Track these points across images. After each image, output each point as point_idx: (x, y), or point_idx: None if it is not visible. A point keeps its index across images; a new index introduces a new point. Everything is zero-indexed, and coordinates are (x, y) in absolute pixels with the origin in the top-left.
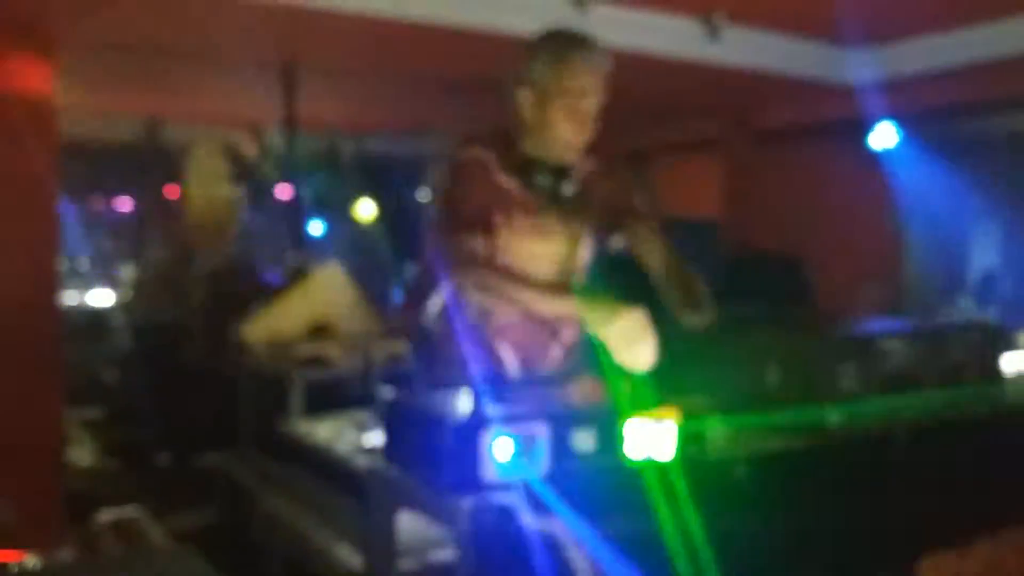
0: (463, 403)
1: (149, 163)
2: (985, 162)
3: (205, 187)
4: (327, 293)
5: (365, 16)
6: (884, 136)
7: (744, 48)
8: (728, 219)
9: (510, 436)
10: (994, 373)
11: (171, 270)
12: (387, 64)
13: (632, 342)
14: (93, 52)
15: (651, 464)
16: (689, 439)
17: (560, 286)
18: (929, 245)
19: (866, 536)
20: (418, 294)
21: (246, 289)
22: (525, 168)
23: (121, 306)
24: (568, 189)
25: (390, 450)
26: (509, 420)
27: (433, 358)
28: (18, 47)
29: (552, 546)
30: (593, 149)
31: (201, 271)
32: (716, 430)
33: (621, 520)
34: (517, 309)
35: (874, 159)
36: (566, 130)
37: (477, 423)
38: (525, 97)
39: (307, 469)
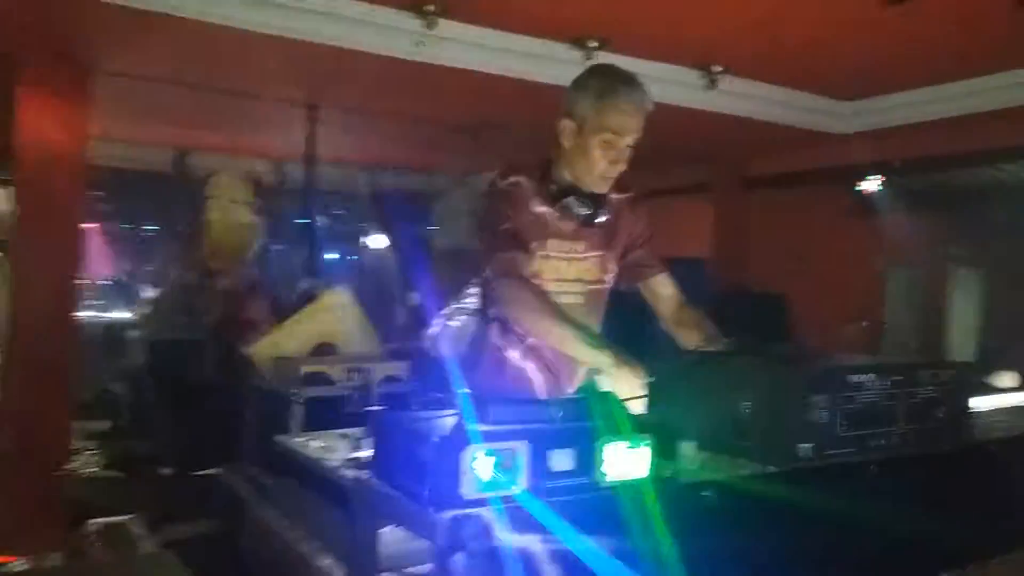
0: (447, 420)
1: (177, 191)
2: (965, 211)
3: (224, 212)
4: (333, 315)
5: (382, 57)
6: (869, 184)
7: (739, 98)
8: (717, 259)
9: (491, 453)
10: (964, 410)
11: (188, 291)
12: (401, 104)
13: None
14: (125, 82)
15: (625, 484)
16: (662, 463)
17: (577, 325)
18: (910, 290)
19: (831, 565)
20: (421, 319)
21: (258, 311)
22: (561, 195)
23: (137, 323)
24: (602, 217)
25: (376, 465)
26: (490, 437)
27: (429, 377)
28: (54, 74)
29: (528, 562)
30: None
31: (216, 292)
32: (688, 455)
33: (595, 537)
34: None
35: (858, 205)
36: (602, 164)
37: (458, 440)
38: (567, 127)
39: (300, 482)
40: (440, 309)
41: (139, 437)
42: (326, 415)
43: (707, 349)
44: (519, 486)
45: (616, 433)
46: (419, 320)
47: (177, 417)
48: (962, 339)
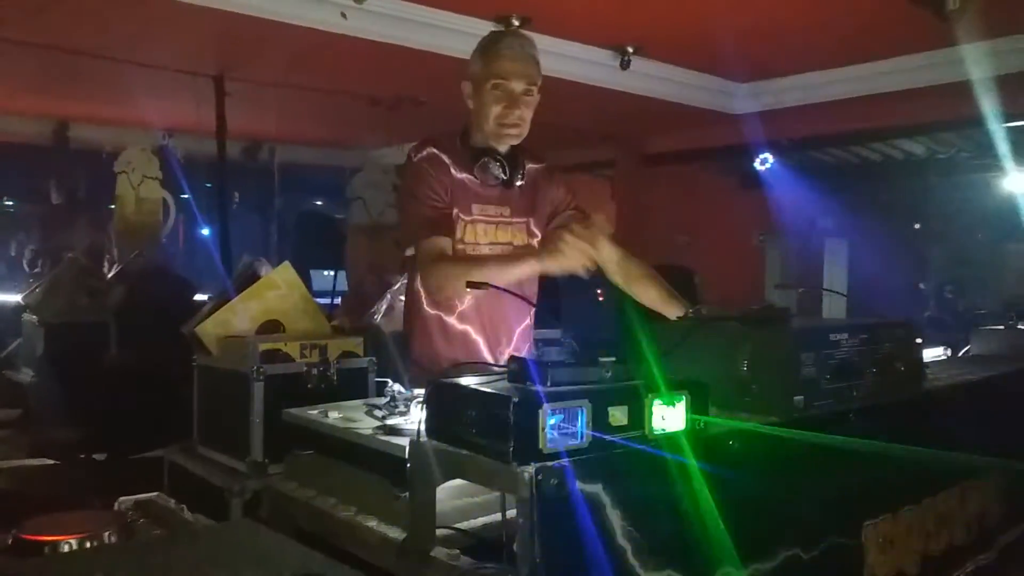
0: (506, 383)
1: (61, 164)
2: (839, 187)
3: (136, 188)
4: (279, 292)
5: (298, 27)
6: (761, 161)
7: (647, 78)
8: (620, 234)
9: (559, 411)
10: (918, 362)
11: (88, 271)
12: (315, 77)
13: (556, 251)
14: (17, 49)
15: (666, 435)
16: (696, 416)
17: (513, 253)
18: (789, 258)
19: (825, 501)
20: (359, 297)
21: (169, 292)
22: (476, 157)
23: (31, 306)
24: (519, 179)
25: (437, 428)
26: (557, 397)
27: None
28: None
29: (594, 506)
30: None
31: (122, 273)
32: (712, 409)
33: (647, 483)
34: (474, 295)
35: (747, 181)
36: (495, 108)
37: (535, 400)
38: (466, 88)
39: (321, 452)
40: (357, 285)
41: (56, 423)
42: (286, 391)
43: (675, 311)
44: (585, 440)
45: (658, 390)
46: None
47: (98, 403)
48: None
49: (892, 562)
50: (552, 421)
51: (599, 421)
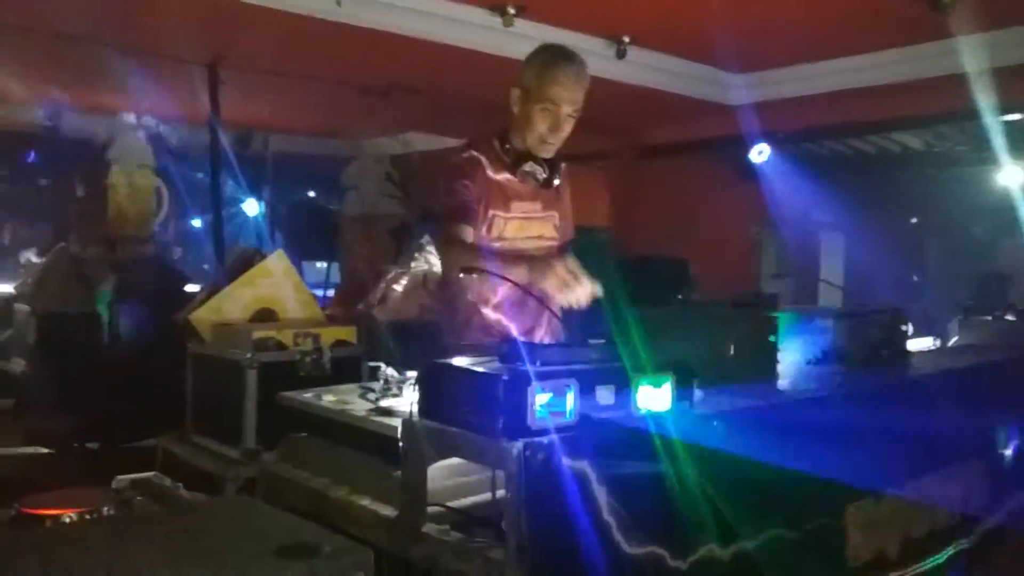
0: (498, 364)
1: (54, 152)
2: (836, 180)
3: (129, 176)
4: (272, 280)
5: (292, 14)
6: (757, 153)
7: (642, 68)
8: (616, 227)
9: (547, 390)
10: (903, 348)
11: (80, 260)
12: (308, 65)
13: (566, 286)
14: (6, 33)
15: (653, 415)
16: (680, 396)
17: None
18: (785, 251)
19: (810, 483)
20: (353, 286)
21: (161, 282)
22: (519, 160)
23: (23, 296)
24: (557, 180)
25: (430, 408)
26: (545, 376)
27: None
28: None
29: (581, 481)
30: None
31: (114, 262)
32: (697, 390)
33: (633, 460)
34: (511, 286)
35: (743, 173)
36: (541, 128)
37: (523, 378)
38: (515, 95)
39: (315, 434)
40: (351, 274)
41: (49, 413)
42: (279, 379)
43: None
44: (572, 418)
45: (645, 371)
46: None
47: (90, 393)
48: (830, 291)
49: (874, 544)
50: (540, 399)
51: (586, 400)
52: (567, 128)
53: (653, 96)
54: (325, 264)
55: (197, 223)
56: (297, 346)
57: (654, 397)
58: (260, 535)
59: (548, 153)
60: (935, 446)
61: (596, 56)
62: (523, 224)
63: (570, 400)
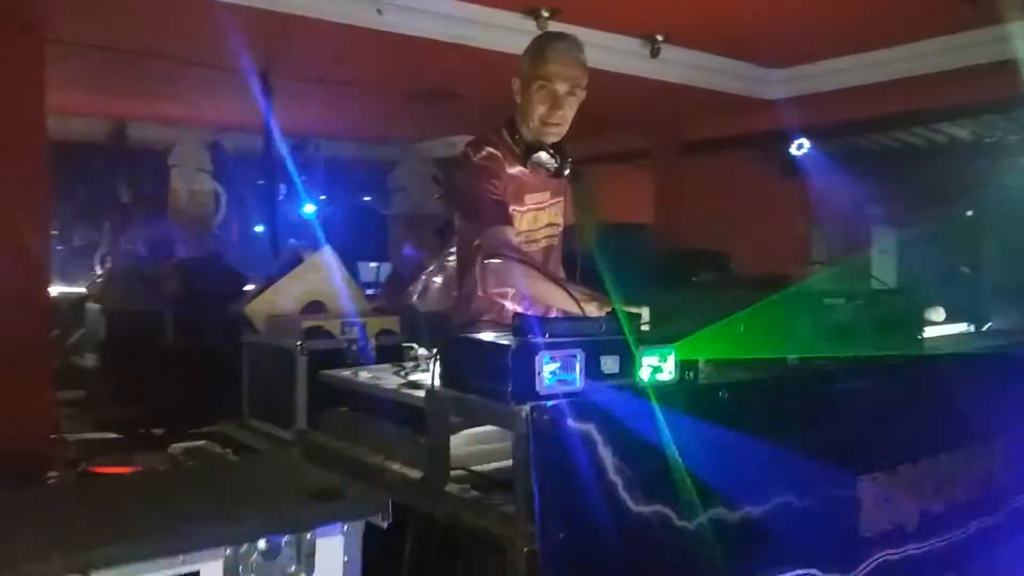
0: (511, 336)
1: (116, 162)
2: (884, 173)
3: (188, 181)
4: (321, 274)
5: (336, 23)
6: (798, 147)
7: (678, 66)
8: (660, 222)
9: (555, 359)
10: (916, 328)
11: (144, 261)
12: (353, 73)
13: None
14: (76, 50)
15: (657, 384)
16: (685, 368)
17: (555, 280)
18: (836, 246)
19: (820, 454)
20: (398, 282)
21: (220, 281)
22: (528, 152)
23: (93, 296)
24: (565, 168)
25: (451, 378)
26: (553, 347)
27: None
28: (10, 44)
29: (587, 443)
30: None
31: (177, 264)
32: (704, 363)
33: (636, 425)
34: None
35: (788, 168)
36: (540, 108)
37: (532, 347)
38: (515, 85)
39: (353, 408)
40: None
41: (118, 403)
42: (327, 365)
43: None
44: (579, 384)
45: (649, 343)
46: (397, 282)
47: (154, 384)
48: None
49: (889, 516)
50: (548, 367)
51: (592, 369)
52: (568, 109)
53: (690, 93)
54: (376, 264)
55: (259, 228)
56: (344, 335)
57: (658, 367)
58: (295, 483)
59: (553, 137)
60: (951, 425)
61: (631, 55)
62: (536, 215)
63: (576, 368)
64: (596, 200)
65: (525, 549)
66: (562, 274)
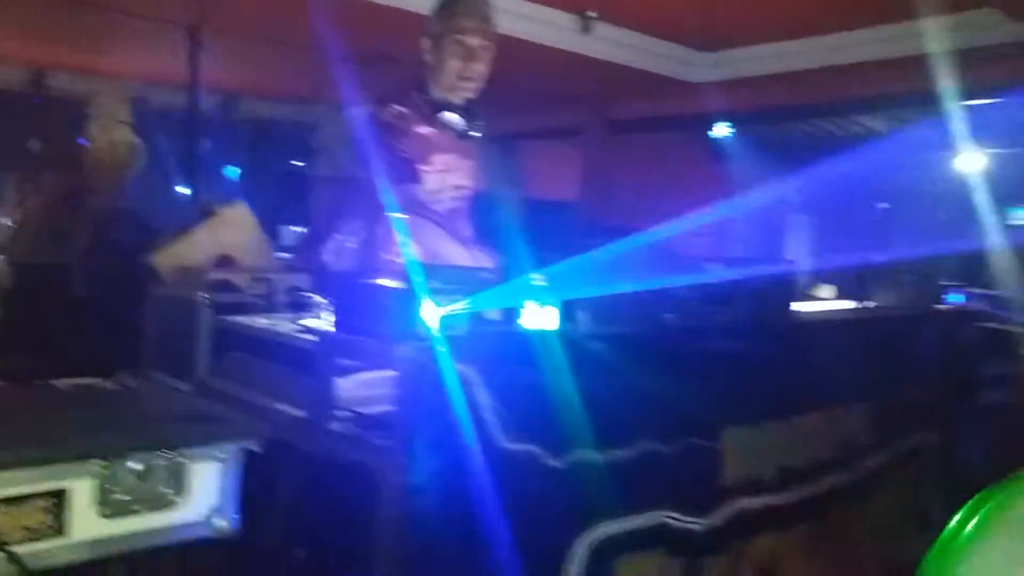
0: (400, 281)
1: (37, 111)
2: (803, 161)
3: (107, 131)
4: (233, 228)
5: None
6: (721, 131)
7: (609, 43)
8: (586, 200)
9: (438, 303)
10: (787, 298)
11: (54, 212)
12: (287, 31)
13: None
14: None
15: (539, 332)
16: (566, 318)
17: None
18: (751, 230)
19: (689, 406)
20: (314, 239)
21: (131, 234)
22: (437, 111)
23: (2, 247)
24: (476, 129)
25: (339, 321)
26: (438, 292)
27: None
28: None
29: (464, 383)
30: None
31: (89, 212)
32: (584, 315)
33: (511, 370)
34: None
35: (712, 152)
36: (454, 63)
37: (414, 291)
38: (426, 44)
39: (249, 354)
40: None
41: (17, 353)
42: None
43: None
44: (461, 328)
45: (533, 294)
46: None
47: (63, 334)
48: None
49: (750, 468)
50: (431, 311)
51: (476, 315)
52: (482, 63)
53: (620, 72)
54: (302, 229)
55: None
56: (254, 289)
57: (539, 316)
58: (174, 409)
59: (469, 93)
60: (812, 388)
61: (562, 29)
62: (444, 176)
63: (460, 313)
64: (522, 174)
65: (397, 481)
66: (469, 235)
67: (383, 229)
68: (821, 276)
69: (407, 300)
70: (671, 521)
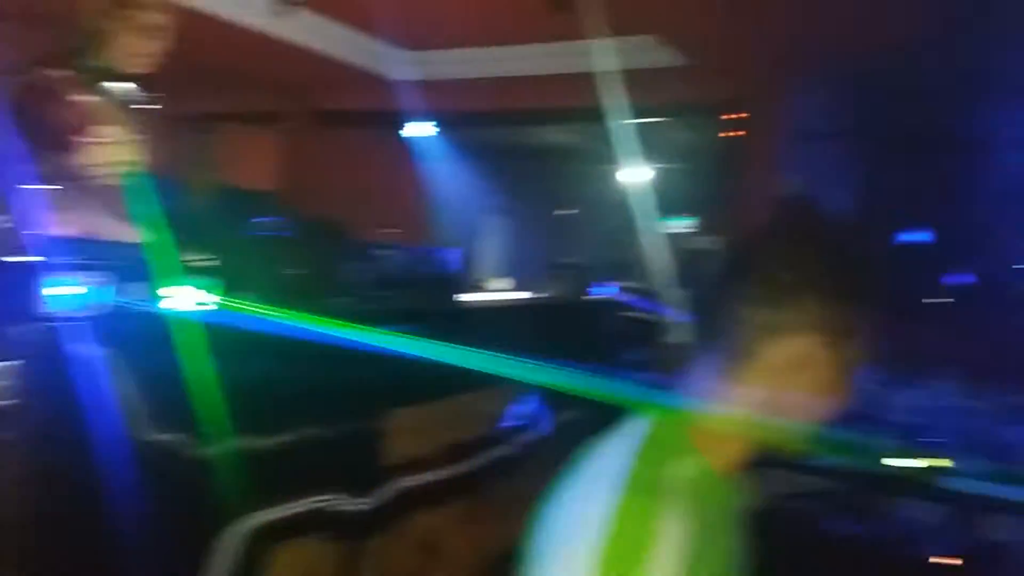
0: (37, 255)
1: None
2: (499, 167)
3: None
4: None
5: None
6: (420, 130)
7: (305, 29)
8: (284, 191)
9: (64, 281)
10: (451, 286)
11: None
12: None
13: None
14: None
15: (176, 315)
16: (210, 300)
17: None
18: (451, 232)
19: (346, 391)
20: None
21: None
22: (99, 79)
23: None
24: (148, 102)
25: None
26: (64, 268)
27: None
28: None
29: (96, 369)
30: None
31: None
32: (227, 297)
33: (152, 355)
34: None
35: (413, 150)
36: (128, 39)
37: (33, 266)
38: (93, 8)
39: None
40: None
41: None
42: None
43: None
44: (95, 309)
45: (175, 275)
46: None
47: None
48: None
49: (416, 447)
50: (55, 290)
51: (110, 295)
52: (156, 41)
53: (319, 61)
54: None
55: None
56: None
57: (184, 298)
58: None
59: (142, 68)
60: (473, 369)
61: (257, 11)
62: (102, 148)
63: (94, 292)
64: (214, 160)
65: (14, 478)
66: (123, 212)
67: (22, 200)
68: (504, 270)
69: (24, 275)
70: (329, 505)
